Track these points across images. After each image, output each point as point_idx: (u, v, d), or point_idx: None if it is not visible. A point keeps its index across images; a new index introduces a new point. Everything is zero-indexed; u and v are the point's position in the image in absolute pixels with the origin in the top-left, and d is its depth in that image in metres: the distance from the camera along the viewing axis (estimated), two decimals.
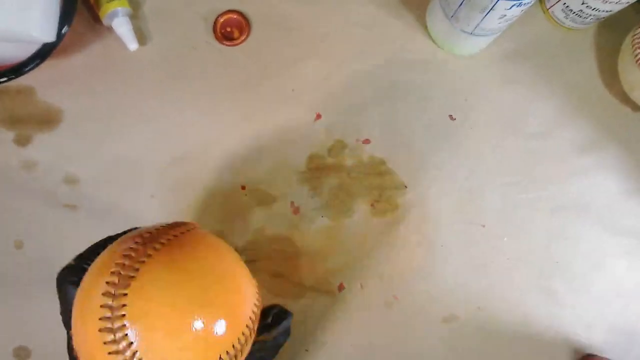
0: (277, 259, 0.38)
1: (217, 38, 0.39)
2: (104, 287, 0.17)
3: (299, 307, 0.38)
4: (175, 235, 0.20)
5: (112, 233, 0.37)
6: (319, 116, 0.39)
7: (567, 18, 0.38)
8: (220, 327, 0.18)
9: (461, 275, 0.39)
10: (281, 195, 0.38)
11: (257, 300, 0.22)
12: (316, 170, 0.39)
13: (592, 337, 0.38)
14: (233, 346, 0.19)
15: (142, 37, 0.39)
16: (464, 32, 0.35)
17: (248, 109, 0.39)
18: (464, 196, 0.39)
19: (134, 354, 0.17)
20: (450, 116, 0.40)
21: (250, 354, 0.22)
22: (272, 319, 0.26)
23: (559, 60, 0.40)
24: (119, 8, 0.37)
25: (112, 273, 0.18)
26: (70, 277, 0.22)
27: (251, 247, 0.38)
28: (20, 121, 0.38)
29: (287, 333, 0.27)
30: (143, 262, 0.18)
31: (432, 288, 0.38)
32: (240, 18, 0.39)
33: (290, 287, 0.38)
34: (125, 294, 0.17)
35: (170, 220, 0.24)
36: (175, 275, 0.18)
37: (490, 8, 0.31)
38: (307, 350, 0.38)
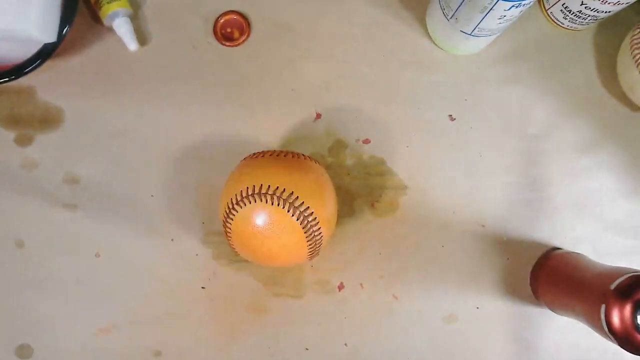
0: None
1: (217, 39, 0.39)
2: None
3: (299, 307, 0.38)
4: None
5: (111, 233, 0.37)
6: (318, 116, 0.39)
7: (566, 19, 0.39)
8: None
9: (461, 275, 0.39)
10: None
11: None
12: None
13: (592, 338, 0.38)
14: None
15: (142, 37, 0.39)
16: (464, 32, 0.36)
17: (248, 109, 0.39)
18: (464, 196, 0.39)
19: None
20: (450, 116, 0.40)
21: None
22: None
23: (559, 61, 0.40)
24: (120, 9, 0.37)
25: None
26: None
27: None
28: (21, 121, 0.38)
29: None
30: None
31: (432, 288, 0.38)
32: (240, 19, 0.39)
33: (290, 286, 0.38)
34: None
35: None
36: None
37: (489, 9, 0.32)
38: (307, 349, 0.38)
